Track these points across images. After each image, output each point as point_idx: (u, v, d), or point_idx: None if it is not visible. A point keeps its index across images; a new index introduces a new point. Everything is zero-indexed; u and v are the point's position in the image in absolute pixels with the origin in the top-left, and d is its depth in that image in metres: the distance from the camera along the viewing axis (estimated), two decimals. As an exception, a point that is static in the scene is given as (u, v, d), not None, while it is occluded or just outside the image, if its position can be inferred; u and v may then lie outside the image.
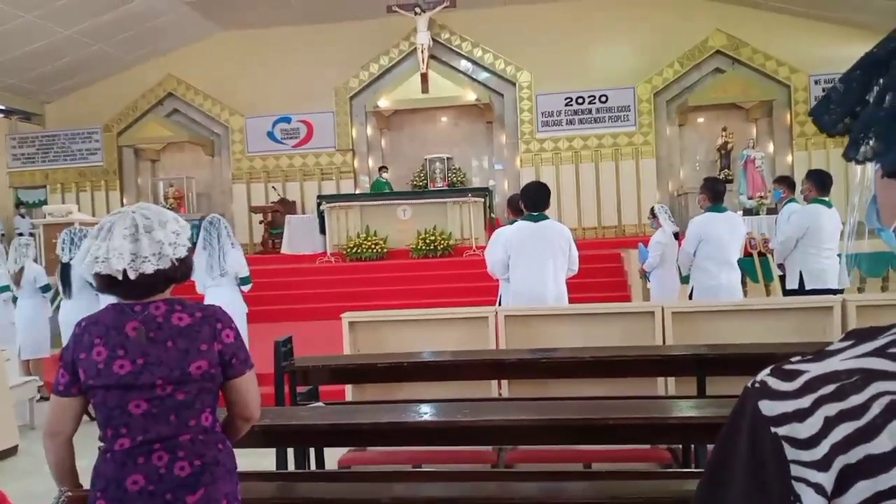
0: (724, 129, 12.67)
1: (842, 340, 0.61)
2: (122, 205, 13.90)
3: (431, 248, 10.66)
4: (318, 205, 11.50)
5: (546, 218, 4.63)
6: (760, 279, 6.80)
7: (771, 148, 12.79)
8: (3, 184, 14.20)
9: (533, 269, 4.52)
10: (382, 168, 13.02)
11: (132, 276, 1.70)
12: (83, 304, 5.72)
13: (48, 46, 12.25)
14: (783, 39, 12.39)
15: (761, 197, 11.49)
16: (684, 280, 5.87)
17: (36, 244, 10.49)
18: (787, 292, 5.64)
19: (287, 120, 13.60)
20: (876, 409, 0.54)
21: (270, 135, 13.64)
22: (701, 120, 13.16)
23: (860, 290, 7.03)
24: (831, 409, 0.56)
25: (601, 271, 9.43)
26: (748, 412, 0.59)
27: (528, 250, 4.54)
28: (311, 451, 3.43)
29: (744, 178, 11.90)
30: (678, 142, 13.20)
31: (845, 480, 0.54)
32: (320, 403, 3.59)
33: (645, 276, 6.72)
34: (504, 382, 4.14)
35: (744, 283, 6.60)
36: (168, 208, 13.95)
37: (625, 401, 2.91)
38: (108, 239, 1.71)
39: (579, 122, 12.83)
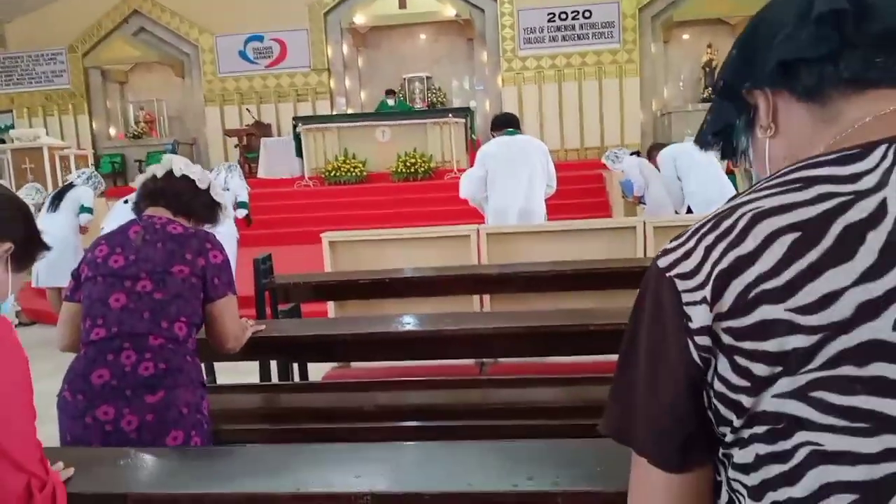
0: (710, 46, 12.43)
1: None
2: (92, 129, 13.51)
3: (412, 170, 10.51)
4: (294, 127, 11.20)
5: (522, 134, 4.55)
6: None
7: (755, 65, 12.60)
8: (-34, 109, 13.68)
9: (512, 183, 4.46)
10: (389, 91, 12.37)
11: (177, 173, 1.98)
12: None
13: (1, -41, 11.57)
14: (772, -50, 12.00)
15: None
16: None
17: (6, 170, 10.21)
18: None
19: (259, 38, 13.08)
20: (742, 221, 0.60)
21: (242, 54, 13.15)
22: (686, 37, 12.87)
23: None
24: (709, 237, 0.62)
25: (583, 192, 9.40)
26: (651, 273, 0.66)
27: (507, 164, 4.47)
28: (295, 366, 3.44)
29: (727, 97, 11.77)
30: (663, 59, 12.94)
31: (720, 283, 0.59)
32: (303, 320, 3.58)
33: (641, 202, 6.60)
34: (486, 298, 4.16)
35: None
36: (139, 132, 13.35)
37: (607, 309, 2.92)
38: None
39: (562, 38, 12.48)
